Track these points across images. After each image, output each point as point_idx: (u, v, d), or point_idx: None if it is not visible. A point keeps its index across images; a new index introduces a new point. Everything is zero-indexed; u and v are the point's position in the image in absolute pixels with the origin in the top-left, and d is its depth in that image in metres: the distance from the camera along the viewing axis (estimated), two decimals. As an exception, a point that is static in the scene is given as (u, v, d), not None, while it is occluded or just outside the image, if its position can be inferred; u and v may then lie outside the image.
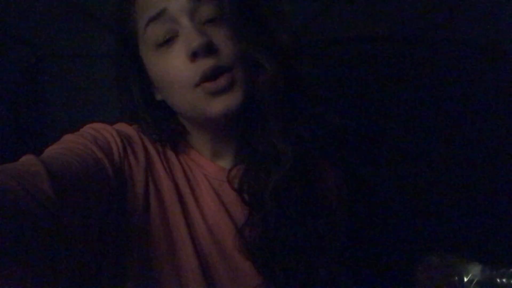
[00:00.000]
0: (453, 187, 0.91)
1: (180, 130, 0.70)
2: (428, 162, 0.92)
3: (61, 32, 0.97)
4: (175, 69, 0.62)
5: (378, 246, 0.90)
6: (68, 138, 0.60)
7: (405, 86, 0.94)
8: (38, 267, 0.45)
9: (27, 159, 0.50)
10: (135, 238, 0.61)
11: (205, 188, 0.67)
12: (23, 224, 0.43)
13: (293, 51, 0.66)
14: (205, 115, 0.63)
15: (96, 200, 0.55)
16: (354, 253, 0.78)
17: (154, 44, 0.63)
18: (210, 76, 0.61)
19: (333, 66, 0.93)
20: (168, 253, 0.62)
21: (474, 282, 0.51)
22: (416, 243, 0.89)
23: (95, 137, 0.61)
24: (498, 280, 0.50)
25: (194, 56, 0.61)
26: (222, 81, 0.61)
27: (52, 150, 0.57)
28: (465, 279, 0.52)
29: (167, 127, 0.68)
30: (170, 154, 0.68)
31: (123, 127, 0.67)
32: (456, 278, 0.52)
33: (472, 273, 0.52)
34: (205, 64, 0.60)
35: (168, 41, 0.62)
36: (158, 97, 0.69)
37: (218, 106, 0.62)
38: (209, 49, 0.60)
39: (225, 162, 0.70)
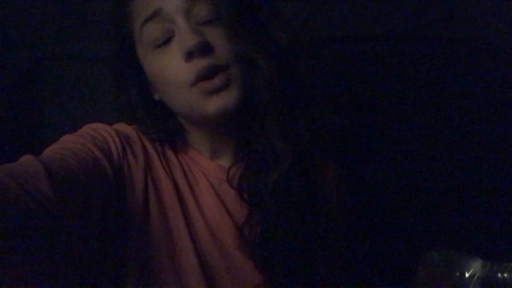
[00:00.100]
0: (453, 183, 0.91)
1: (179, 130, 0.70)
2: (428, 159, 0.92)
3: (58, 35, 0.98)
4: (171, 68, 0.62)
5: (379, 243, 0.90)
6: (67, 138, 0.60)
7: (403, 84, 0.94)
8: (37, 267, 0.45)
9: (26, 159, 0.50)
10: (135, 238, 0.61)
11: (204, 187, 0.67)
12: (22, 224, 0.43)
13: (291, 50, 0.66)
14: (201, 114, 0.63)
15: (95, 200, 0.55)
16: (354, 250, 0.78)
17: (150, 44, 0.63)
18: (206, 75, 0.61)
19: (330, 65, 0.93)
20: (168, 252, 0.62)
21: (475, 278, 0.51)
22: (417, 239, 0.89)
23: (94, 137, 0.61)
24: (499, 275, 0.50)
25: (189, 55, 0.61)
26: (218, 80, 0.61)
27: (51, 150, 0.57)
28: (467, 275, 0.52)
29: (165, 126, 0.68)
30: (169, 153, 0.68)
31: (122, 127, 0.68)
32: (458, 274, 0.52)
33: (473, 269, 0.52)
34: (201, 63, 0.61)
35: (164, 41, 0.62)
36: (156, 96, 0.69)
37: (214, 104, 0.62)
38: (204, 49, 0.61)
39: (225, 161, 0.70)
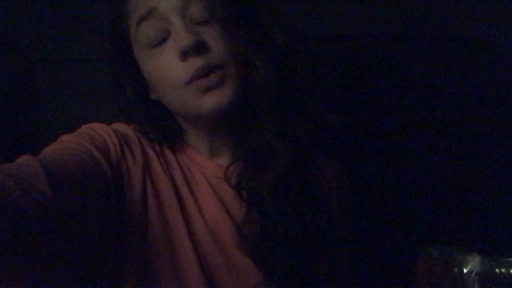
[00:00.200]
0: (451, 180, 0.91)
1: (177, 129, 0.70)
2: (425, 155, 0.92)
3: (53, 37, 0.98)
4: (166, 68, 0.62)
5: (378, 240, 0.90)
6: (65, 138, 0.60)
7: (401, 82, 0.94)
8: (36, 267, 0.45)
9: (25, 159, 0.50)
10: (134, 237, 0.61)
11: (203, 186, 0.67)
12: (21, 224, 0.43)
13: (287, 49, 0.66)
14: (197, 112, 0.63)
15: (94, 199, 0.55)
16: (354, 248, 0.78)
17: (146, 44, 0.63)
18: (201, 74, 0.61)
19: (327, 63, 0.93)
20: (168, 252, 0.62)
21: (473, 273, 0.51)
22: (415, 236, 0.89)
23: (92, 137, 0.61)
24: (497, 270, 0.50)
25: (184, 55, 0.61)
26: (212, 78, 0.61)
27: (49, 150, 0.57)
28: (465, 271, 0.52)
29: (163, 126, 0.68)
30: (168, 153, 0.68)
31: (120, 126, 0.68)
32: (456, 269, 0.53)
33: (471, 264, 0.52)
34: (196, 63, 0.61)
35: (160, 41, 0.62)
36: (153, 96, 0.69)
37: (209, 102, 0.62)
38: (199, 48, 0.61)
39: (223, 160, 0.70)
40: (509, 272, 0.50)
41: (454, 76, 0.93)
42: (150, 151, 0.67)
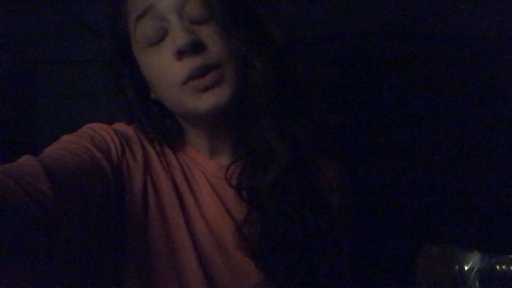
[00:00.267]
0: (452, 177, 0.91)
1: (177, 128, 0.70)
2: (425, 154, 0.92)
3: (47, 38, 0.98)
4: (163, 67, 0.62)
5: (378, 238, 0.90)
6: (66, 138, 0.60)
7: (400, 81, 0.94)
8: (37, 267, 0.45)
9: (25, 159, 0.50)
10: (134, 237, 0.61)
11: (203, 186, 0.67)
12: (21, 224, 0.43)
13: (286, 48, 0.66)
14: (194, 112, 0.63)
15: (95, 199, 0.55)
16: (356, 248, 0.78)
17: (144, 42, 0.63)
18: (198, 74, 0.60)
19: (325, 62, 0.93)
20: (168, 252, 0.62)
21: (474, 271, 0.51)
22: (415, 234, 0.89)
23: (93, 137, 0.61)
24: (498, 267, 0.50)
25: (180, 54, 0.60)
26: (209, 78, 0.61)
27: (49, 151, 0.57)
28: (465, 268, 0.52)
29: (163, 125, 0.68)
30: (168, 152, 0.68)
31: (121, 126, 0.68)
32: (457, 267, 0.52)
33: (472, 262, 0.52)
34: (192, 62, 0.60)
35: (158, 40, 0.62)
36: (153, 95, 0.69)
37: (206, 102, 0.61)
38: (195, 48, 0.60)
39: (223, 159, 0.70)
40: (510, 269, 0.49)
41: (455, 76, 0.93)
42: (150, 151, 0.67)
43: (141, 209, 0.62)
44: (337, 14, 0.93)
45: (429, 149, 0.92)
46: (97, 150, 0.59)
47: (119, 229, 0.60)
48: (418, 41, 0.94)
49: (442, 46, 0.93)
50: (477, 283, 0.51)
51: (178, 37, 0.60)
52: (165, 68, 0.62)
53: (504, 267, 0.50)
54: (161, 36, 0.62)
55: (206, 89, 0.61)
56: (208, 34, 0.61)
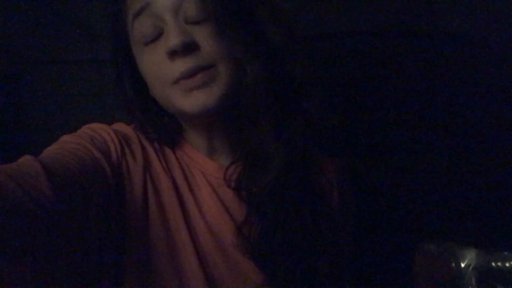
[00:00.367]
0: (448, 175, 0.91)
1: (176, 127, 0.70)
2: (422, 152, 0.92)
3: (41, 39, 0.97)
4: (155, 66, 0.62)
5: (376, 236, 0.90)
6: (65, 138, 0.60)
7: (398, 80, 0.95)
8: (37, 267, 0.45)
9: (25, 160, 0.50)
10: (134, 238, 0.61)
11: (203, 186, 0.67)
12: (21, 224, 0.43)
13: (285, 49, 0.65)
14: (183, 112, 0.62)
15: (95, 200, 0.55)
16: (356, 249, 0.78)
17: (141, 41, 0.63)
18: (188, 74, 0.60)
19: (320, 61, 0.92)
20: (168, 252, 0.62)
21: (471, 267, 0.52)
22: (412, 231, 0.89)
23: (92, 137, 0.61)
24: (494, 264, 0.50)
25: (172, 54, 0.60)
26: (199, 78, 0.60)
27: (49, 151, 0.57)
28: (462, 265, 0.52)
29: (163, 125, 0.68)
30: (168, 152, 0.68)
31: (121, 126, 0.68)
32: (453, 264, 0.53)
33: (468, 259, 0.52)
34: (183, 64, 0.60)
35: (153, 38, 0.62)
36: (151, 94, 0.68)
37: (194, 102, 0.61)
38: (188, 49, 0.60)
39: (223, 159, 0.69)
40: (506, 265, 0.50)
41: (454, 75, 0.93)
42: (150, 151, 0.67)
43: (141, 209, 0.62)
44: (335, 13, 0.93)
45: (427, 148, 0.92)
46: (97, 150, 0.59)
47: (119, 229, 0.60)
48: (417, 40, 0.94)
49: (441, 45, 0.94)
50: (473, 279, 0.52)
51: (172, 37, 0.59)
52: (159, 68, 0.62)
53: (500, 263, 0.50)
54: (157, 35, 0.61)
55: (194, 89, 0.60)
56: (203, 35, 0.61)
